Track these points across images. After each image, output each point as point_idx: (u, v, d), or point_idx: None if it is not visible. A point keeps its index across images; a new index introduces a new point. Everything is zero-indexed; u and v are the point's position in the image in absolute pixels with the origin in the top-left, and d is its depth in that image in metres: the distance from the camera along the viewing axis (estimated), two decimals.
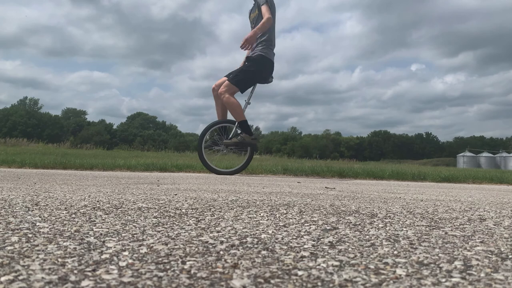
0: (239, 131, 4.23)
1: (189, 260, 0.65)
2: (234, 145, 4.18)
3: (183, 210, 1.24)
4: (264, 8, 4.09)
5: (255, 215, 1.18)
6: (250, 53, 4.21)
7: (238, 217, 1.13)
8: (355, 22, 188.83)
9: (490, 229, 1.07)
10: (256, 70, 4.14)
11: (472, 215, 1.36)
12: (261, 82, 4.29)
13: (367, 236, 0.90)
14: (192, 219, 1.08)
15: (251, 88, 4.27)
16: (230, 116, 4.30)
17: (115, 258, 0.65)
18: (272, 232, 0.92)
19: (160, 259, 0.66)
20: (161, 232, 0.88)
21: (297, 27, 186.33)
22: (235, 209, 1.30)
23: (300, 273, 0.60)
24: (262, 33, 4.14)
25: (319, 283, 0.56)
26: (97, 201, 1.40)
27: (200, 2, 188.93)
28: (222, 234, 0.88)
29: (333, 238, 0.87)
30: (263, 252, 0.73)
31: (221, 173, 4.34)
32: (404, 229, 1.02)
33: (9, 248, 0.69)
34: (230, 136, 4.26)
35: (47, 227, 0.89)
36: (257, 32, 4.04)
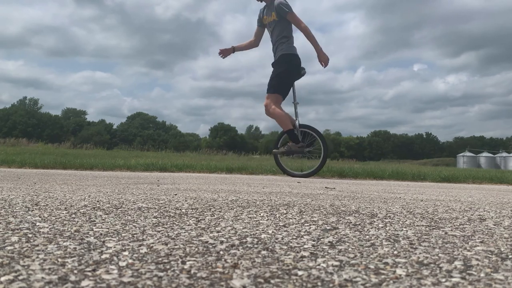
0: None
1: (189, 260, 0.65)
2: (283, 154, 4.34)
3: (183, 210, 1.24)
4: (293, 17, 4.12)
5: (255, 215, 1.18)
6: (275, 58, 4.26)
7: (238, 217, 1.13)
8: (358, 23, 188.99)
9: (490, 229, 1.07)
10: (286, 69, 4.17)
11: (472, 215, 1.36)
12: (296, 78, 4.32)
13: (367, 236, 0.90)
14: (192, 219, 1.08)
15: (291, 89, 4.31)
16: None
17: (115, 258, 0.65)
18: (272, 232, 0.92)
19: (160, 259, 0.66)
20: (161, 232, 0.88)
21: None
22: (235, 209, 1.30)
23: (300, 273, 0.60)
24: (281, 32, 4.19)
25: (319, 283, 0.56)
26: (97, 201, 1.40)
27: (204, 3, 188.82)
28: (222, 234, 0.88)
29: (333, 238, 0.87)
30: (263, 252, 0.73)
31: (295, 175, 4.38)
32: (404, 229, 1.02)
33: (9, 248, 0.69)
34: (279, 145, 4.40)
35: (47, 227, 0.89)
36: (319, 48, 4.15)
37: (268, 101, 4.15)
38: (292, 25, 4.22)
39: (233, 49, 4.57)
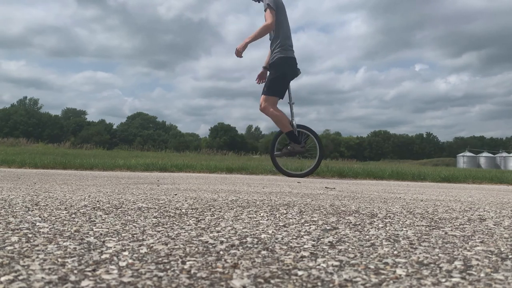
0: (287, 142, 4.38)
1: (189, 260, 0.65)
2: (285, 156, 4.35)
3: (183, 210, 1.24)
4: (266, 14, 4.13)
5: (255, 215, 1.18)
6: (270, 60, 4.28)
7: (238, 217, 1.13)
8: (360, 23, 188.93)
9: (490, 229, 1.07)
10: (282, 73, 4.20)
11: (472, 215, 1.36)
12: (292, 78, 4.33)
13: (367, 236, 0.90)
14: (192, 219, 1.08)
15: (287, 89, 4.34)
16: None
17: (115, 258, 0.65)
18: (272, 232, 0.92)
19: (160, 259, 0.66)
20: (161, 232, 0.88)
21: (303, 28, 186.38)
22: (235, 209, 1.30)
23: (300, 273, 0.60)
24: (277, 37, 4.19)
25: (319, 283, 0.56)
26: (97, 201, 1.40)
27: (206, 3, 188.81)
28: (222, 234, 0.88)
29: (333, 238, 0.87)
30: (263, 252, 0.73)
31: (292, 175, 4.39)
32: (404, 229, 1.02)
33: (9, 248, 0.69)
34: (276, 147, 4.40)
35: (47, 227, 0.89)
36: (247, 42, 4.12)
37: (266, 104, 4.18)
38: (281, 21, 4.22)
39: (266, 68, 4.55)
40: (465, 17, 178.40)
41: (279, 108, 4.24)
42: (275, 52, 4.22)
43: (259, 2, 4.40)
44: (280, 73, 4.19)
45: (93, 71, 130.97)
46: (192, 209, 1.28)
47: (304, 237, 0.88)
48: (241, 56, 4.17)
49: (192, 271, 0.59)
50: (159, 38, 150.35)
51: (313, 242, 0.82)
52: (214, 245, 0.77)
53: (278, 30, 4.20)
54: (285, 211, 1.29)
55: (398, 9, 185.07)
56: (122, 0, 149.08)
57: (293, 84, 4.42)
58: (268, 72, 4.33)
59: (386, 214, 1.31)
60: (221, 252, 0.71)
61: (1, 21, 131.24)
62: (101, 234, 0.84)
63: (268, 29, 4.11)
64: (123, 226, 0.93)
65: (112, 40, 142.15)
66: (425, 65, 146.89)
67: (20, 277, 0.54)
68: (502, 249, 0.81)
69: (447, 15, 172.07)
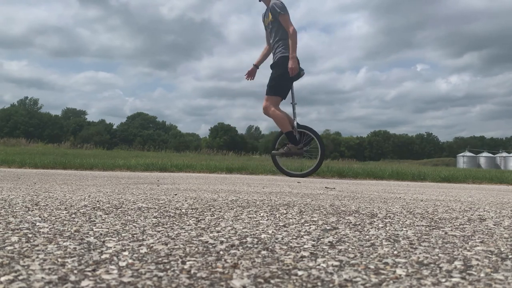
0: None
1: (189, 260, 0.65)
2: (282, 155, 4.38)
3: (183, 210, 1.24)
4: (284, 19, 4.15)
5: (255, 215, 1.18)
6: (273, 59, 4.30)
7: (238, 217, 1.13)
8: (362, 23, 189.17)
9: (490, 229, 1.07)
10: (285, 72, 4.18)
11: (472, 215, 1.36)
12: (295, 79, 4.32)
13: (367, 236, 0.90)
14: (192, 219, 1.08)
15: (289, 89, 4.35)
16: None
17: (115, 258, 0.65)
18: (272, 232, 0.92)
19: (160, 259, 0.66)
20: (161, 232, 0.88)
21: (305, 28, 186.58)
22: (235, 209, 1.30)
23: (300, 273, 0.60)
24: (277, 33, 4.23)
25: (319, 283, 0.56)
26: (97, 201, 1.40)
27: (209, 3, 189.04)
28: (222, 234, 0.88)
29: (333, 238, 0.87)
30: (263, 252, 0.73)
31: (292, 175, 4.41)
32: (404, 229, 1.02)
33: (9, 248, 0.69)
34: (276, 146, 4.44)
35: (47, 227, 0.89)
36: (294, 55, 4.12)
37: (267, 103, 4.20)
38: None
39: (256, 67, 4.63)
40: (466, 17, 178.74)
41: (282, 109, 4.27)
42: (278, 51, 4.23)
43: (260, 0, 4.41)
44: (282, 72, 4.18)
45: (94, 71, 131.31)
46: (192, 209, 1.28)
47: (304, 237, 0.88)
48: (295, 72, 4.13)
49: (192, 271, 0.59)
50: (161, 38, 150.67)
51: (313, 242, 0.82)
52: (214, 245, 0.77)
53: (284, 31, 4.21)
54: (285, 211, 1.29)
55: (400, 10, 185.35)
56: (124, 0, 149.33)
57: (295, 84, 4.40)
58: (271, 72, 4.34)
59: (386, 214, 1.31)
60: (221, 252, 0.71)
61: (4, 21, 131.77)
62: (101, 234, 0.84)
63: (296, 33, 4.16)
64: (123, 226, 0.93)
65: (114, 40, 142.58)
66: (426, 65, 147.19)
67: (20, 277, 0.54)
68: (502, 249, 0.81)
69: (448, 15, 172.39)
